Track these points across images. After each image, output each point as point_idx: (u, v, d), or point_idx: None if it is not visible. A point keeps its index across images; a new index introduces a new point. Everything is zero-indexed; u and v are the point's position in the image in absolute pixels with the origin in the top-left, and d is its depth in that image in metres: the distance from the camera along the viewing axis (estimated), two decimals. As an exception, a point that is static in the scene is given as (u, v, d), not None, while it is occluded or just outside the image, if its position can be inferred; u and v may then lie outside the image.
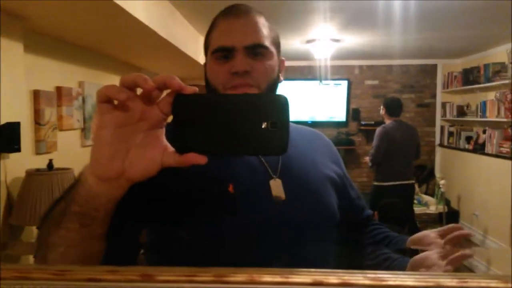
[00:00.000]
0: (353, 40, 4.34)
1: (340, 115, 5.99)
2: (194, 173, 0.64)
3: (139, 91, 0.50)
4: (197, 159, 0.49)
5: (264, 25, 0.82)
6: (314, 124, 5.85)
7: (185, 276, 0.29)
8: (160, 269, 0.30)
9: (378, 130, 3.89)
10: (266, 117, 0.48)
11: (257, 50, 0.79)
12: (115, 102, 0.49)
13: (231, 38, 0.78)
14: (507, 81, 4.24)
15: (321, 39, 4.22)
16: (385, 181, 3.85)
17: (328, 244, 0.84)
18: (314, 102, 5.90)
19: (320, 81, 5.76)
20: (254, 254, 0.73)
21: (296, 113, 5.71)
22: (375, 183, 3.96)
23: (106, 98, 0.48)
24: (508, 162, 4.14)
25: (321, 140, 0.98)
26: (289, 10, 3.12)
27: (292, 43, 4.46)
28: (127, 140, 0.50)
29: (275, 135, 0.48)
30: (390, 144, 3.81)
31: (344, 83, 5.91)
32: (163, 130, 0.53)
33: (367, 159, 4.04)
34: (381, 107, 4.03)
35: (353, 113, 6.03)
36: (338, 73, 5.91)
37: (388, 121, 3.94)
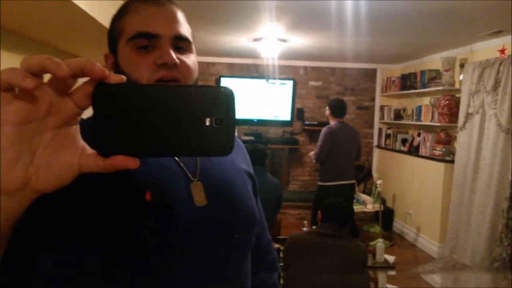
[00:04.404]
0: (299, 41, 4.37)
1: (285, 114, 6.03)
2: (105, 180, 0.53)
3: (46, 77, 0.39)
4: (127, 162, 0.40)
5: (184, 19, 0.75)
6: (260, 123, 5.86)
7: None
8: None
9: (324, 130, 3.95)
10: (210, 112, 0.42)
11: (182, 43, 0.72)
12: (17, 90, 0.38)
13: (157, 26, 0.69)
14: (441, 88, 4.50)
15: (268, 38, 4.21)
16: (328, 181, 3.93)
17: (250, 248, 0.81)
18: (259, 101, 5.89)
19: (267, 80, 5.76)
20: (178, 264, 0.66)
21: (241, 112, 5.67)
22: (319, 183, 4.03)
23: (5, 86, 0.36)
24: (440, 164, 4.40)
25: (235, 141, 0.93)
26: (237, 8, 3.05)
27: (239, 39, 4.41)
28: (31, 140, 0.39)
29: (220, 133, 0.42)
30: (334, 144, 3.88)
31: (290, 83, 5.96)
32: (78, 128, 0.42)
33: (311, 153, 4.10)
34: (326, 107, 4.10)
35: (297, 113, 6.10)
36: (284, 72, 5.95)
37: (332, 122, 4.01)
